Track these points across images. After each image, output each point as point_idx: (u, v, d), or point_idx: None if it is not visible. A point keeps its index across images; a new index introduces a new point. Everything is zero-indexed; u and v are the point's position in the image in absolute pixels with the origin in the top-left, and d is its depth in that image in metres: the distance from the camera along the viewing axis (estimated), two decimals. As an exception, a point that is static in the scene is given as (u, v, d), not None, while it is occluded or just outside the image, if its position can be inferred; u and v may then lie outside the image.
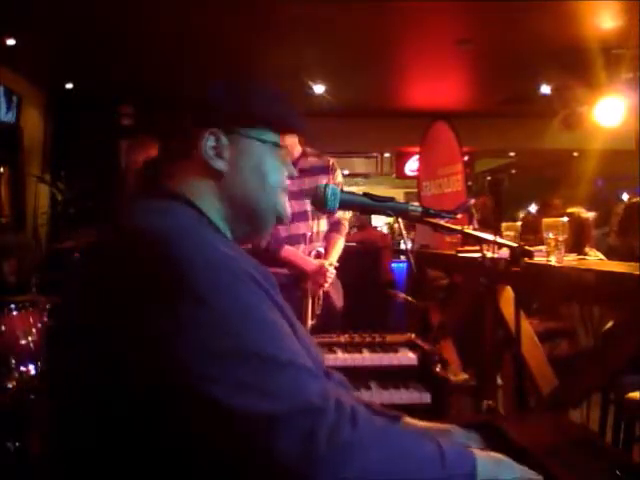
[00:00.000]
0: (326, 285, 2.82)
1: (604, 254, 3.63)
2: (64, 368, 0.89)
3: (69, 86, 6.47)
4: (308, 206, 2.84)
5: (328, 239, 2.95)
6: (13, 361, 2.98)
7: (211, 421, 0.77)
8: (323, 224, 2.92)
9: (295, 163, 2.89)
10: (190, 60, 5.14)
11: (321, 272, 2.78)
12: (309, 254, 2.86)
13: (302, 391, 0.80)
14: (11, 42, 5.02)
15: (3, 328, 3.03)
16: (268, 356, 0.80)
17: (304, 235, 2.86)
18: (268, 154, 1.06)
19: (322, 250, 2.91)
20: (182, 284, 0.80)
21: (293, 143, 2.90)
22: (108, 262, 0.88)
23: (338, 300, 3.01)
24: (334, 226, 2.97)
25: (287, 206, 1.12)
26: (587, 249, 3.45)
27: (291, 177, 1.14)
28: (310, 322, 2.74)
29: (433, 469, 0.85)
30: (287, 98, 1.10)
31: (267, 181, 1.06)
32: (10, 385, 2.91)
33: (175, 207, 0.97)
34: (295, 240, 2.84)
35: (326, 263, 2.82)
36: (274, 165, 1.07)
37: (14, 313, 3.10)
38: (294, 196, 2.85)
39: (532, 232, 4.92)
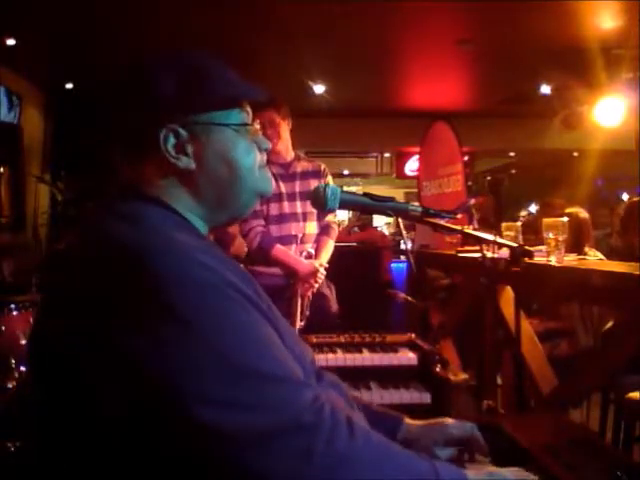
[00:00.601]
0: (316, 286, 2.84)
1: (605, 255, 3.63)
2: (42, 388, 0.85)
3: (69, 86, 6.47)
4: (299, 208, 2.90)
5: (318, 241, 3.00)
6: (13, 361, 2.98)
7: (199, 442, 0.74)
8: (313, 226, 2.97)
9: (288, 166, 2.93)
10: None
11: (312, 272, 2.81)
12: (300, 254, 2.90)
13: (292, 406, 0.77)
14: (11, 42, 5.01)
15: (3, 328, 3.03)
16: (254, 371, 0.77)
17: (295, 236, 2.90)
18: (234, 136, 0.98)
19: (312, 251, 2.96)
20: (160, 303, 0.76)
21: (287, 147, 2.94)
22: (78, 278, 0.83)
23: (333, 302, 3.03)
24: (324, 229, 3.03)
25: (270, 180, 1.06)
26: (587, 249, 3.45)
27: (266, 150, 1.05)
28: (299, 323, 2.74)
29: None
30: (230, 68, 1.01)
31: (240, 166, 0.98)
32: (10, 385, 2.91)
33: (148, 211, 0.91)
34: (287, 240, 2.88)
35: (316, 263, 2.86)
36: (243, 147, 0.99)
37: (14, 313, 3.10)
38: (287, 198, 2.89)
39: (533, 232, 4.93)
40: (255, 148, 1.01)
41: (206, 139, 0.95)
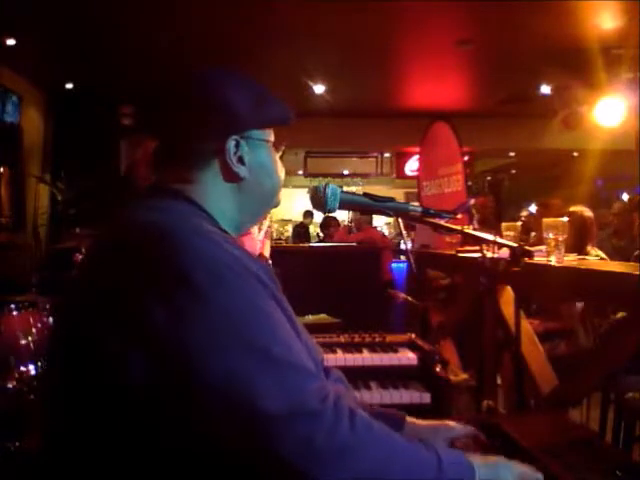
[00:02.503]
0: None
1: (608, 254, 3.62)
2: (66, 367, 0.88)
3: (69, 86, 6.47)
4: None
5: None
6: (13, 361, 2.98)
7: (208, 416, 0.77)
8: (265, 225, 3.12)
9: None
10: (190, 60, 5.14)
11: None
12: None
13: (300, 392, 0.79)
14: (11, 42, 5.02)
15: (3, 328, 3.03)
16: (267, 354, 0.79)
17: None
18: (272, 154, 1.08)
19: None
20: (182, 279, 0.80)
21: None
22: (108, 260, 0.88)
23: None
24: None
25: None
26: (589, 248, 3.43)
27: None
28: None
29: (430, 474, 0.85)
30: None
31: (275, 180, 1.08)
32: (10, 385, 2.91)
33: (177, 205, 0.96)
34: None
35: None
36: (277, 163, 1.09)
37: (14, 313, 3.09)
38: None
39: (526, 232, 4.93)
40: (280, 164, 1.11)
41: (256, 153, 1.04)
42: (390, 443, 0.85)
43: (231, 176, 1.01)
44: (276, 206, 1.14)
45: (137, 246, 0.85)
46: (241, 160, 1.01)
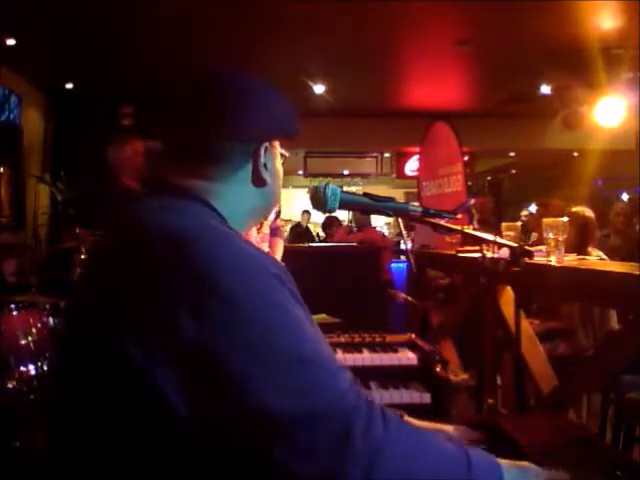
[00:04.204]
0: None
1: (607, 255, 3.62)
2: (77, 374, 0.86)
3: (69, 86, 6.48)
4: None
5: (271, 242, 3.29)
6: (13, 361, 2.98)
7: (247, 420, 0.76)
8: (265, 226, 3.23)
9: None
10: (190, 60, 5.14)
11: None
12: None
13: (337, 389, 0.80)
14: (11, 42, 5.02)
15: (3, 328, 3.03)
16: (303, 355, 0.80)
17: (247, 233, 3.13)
18: (280, 162, 1.12)
19: (268, 250, 3.25)
20: (210, 284, 0.79)
21: None
22: (127, 265, 0.85)
23: None
24: (275, 231, 3.34)
25: None
26: (590, 249, 3.43)
27: None
28: None
29: (460, 474, 0.85)
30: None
31: (280, 189, 1.13)
32: (10, 385, 2.91)
33: (192, 206, 0.96)
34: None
35: None
36: (281, 171, 1.14)
37: (14, 313, 3.09)
38: None
39: (523, 233, 4.94)
40: None
41: (274, 161, 1.09)
42: (421, 442, 0.86)
43: (259, 180, 1.05)
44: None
45: (161, 253, 0.82)
46: (265, 166, 1.05)
